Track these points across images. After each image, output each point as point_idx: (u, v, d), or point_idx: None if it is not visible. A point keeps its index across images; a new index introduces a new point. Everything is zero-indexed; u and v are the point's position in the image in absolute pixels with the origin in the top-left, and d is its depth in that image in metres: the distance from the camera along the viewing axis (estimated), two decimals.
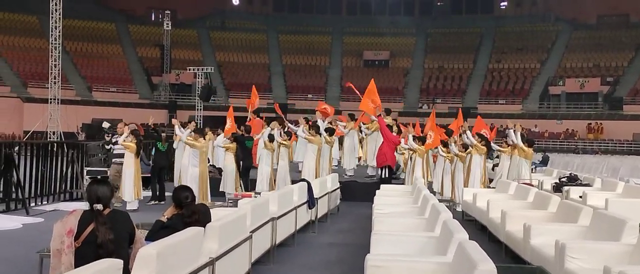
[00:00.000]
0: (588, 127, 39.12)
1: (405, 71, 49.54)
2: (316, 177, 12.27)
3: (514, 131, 13.22)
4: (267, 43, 53.14)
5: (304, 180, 9.90)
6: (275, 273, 7.05)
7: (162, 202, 13.13)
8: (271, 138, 12.82)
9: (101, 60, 47.11)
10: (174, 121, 13.15)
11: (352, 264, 7.29)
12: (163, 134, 13.60)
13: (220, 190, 13.12)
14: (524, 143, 12.97)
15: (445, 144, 13.94)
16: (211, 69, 32.44)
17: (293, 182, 12.56)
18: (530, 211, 8.57)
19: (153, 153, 14.30)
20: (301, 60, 51.56)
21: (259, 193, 10.45)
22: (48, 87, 31.52)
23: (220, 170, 14.58)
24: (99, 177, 5.29)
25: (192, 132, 11.72)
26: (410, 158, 13.31)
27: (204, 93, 30.75)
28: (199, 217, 5.27)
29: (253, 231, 6.48)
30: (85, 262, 4.29)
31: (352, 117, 16.39)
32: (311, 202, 9.40)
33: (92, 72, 45.28)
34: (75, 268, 4.28)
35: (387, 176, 13.47)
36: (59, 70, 31.51)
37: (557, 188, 12.84)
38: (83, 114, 36.82)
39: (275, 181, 13.23)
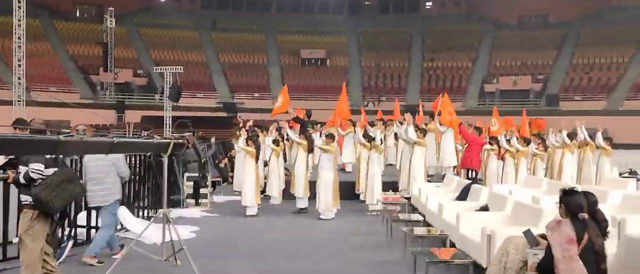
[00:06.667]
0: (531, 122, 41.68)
1: (345, 70, 50.35)
2: None
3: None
4: (200, 41, 52.08)
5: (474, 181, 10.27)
6: None
7: None
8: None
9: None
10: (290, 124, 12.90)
11: None
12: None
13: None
14: (604, 141, 14.01)
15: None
16: (180, 68, 31.55)
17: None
18: None
19: None
20: (239, 58, 50.96)
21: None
22: None
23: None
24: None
25: (324, 137, 11.65)
26: (503, 159, 13.89)
27: (173, 93, 29.88)
28: None
29: None
30: (588, 268, 4.62)
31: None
32: None
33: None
34: None
35: (473, 177, 13.84)
36: None
37: None
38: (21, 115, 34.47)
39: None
